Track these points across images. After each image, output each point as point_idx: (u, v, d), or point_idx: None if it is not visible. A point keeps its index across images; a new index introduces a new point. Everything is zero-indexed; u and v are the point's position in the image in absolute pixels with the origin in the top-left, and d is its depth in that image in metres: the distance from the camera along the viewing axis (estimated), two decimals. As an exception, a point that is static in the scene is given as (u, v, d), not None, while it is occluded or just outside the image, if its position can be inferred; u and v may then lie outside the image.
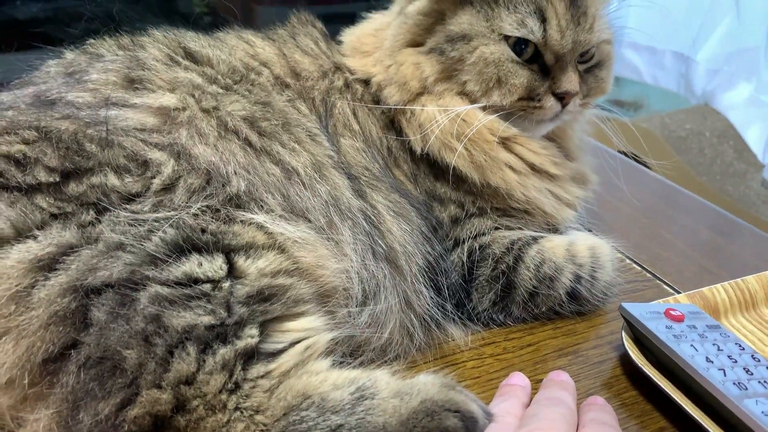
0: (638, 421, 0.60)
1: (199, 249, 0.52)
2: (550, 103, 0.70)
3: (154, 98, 0.60)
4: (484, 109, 0.70)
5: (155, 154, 0.56)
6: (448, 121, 0.69)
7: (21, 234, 0.50)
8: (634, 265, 0.84)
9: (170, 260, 0.50)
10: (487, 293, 0.69)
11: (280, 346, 0.52)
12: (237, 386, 0.48)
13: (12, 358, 0.47)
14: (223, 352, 0.48)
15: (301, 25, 0.79)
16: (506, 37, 0.68)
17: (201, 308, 0.49)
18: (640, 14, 2.67)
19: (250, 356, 0.50)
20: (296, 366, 0.51)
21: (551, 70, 0.70)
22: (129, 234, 0.51)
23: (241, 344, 0.49)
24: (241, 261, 0.53)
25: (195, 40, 0.70)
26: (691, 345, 0.61)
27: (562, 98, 0.70)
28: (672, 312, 0.66)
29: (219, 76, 0.66)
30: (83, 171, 0.54)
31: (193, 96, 0.62)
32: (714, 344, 0.63)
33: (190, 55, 0.68)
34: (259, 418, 0.48)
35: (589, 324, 0.72)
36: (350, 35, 0.79)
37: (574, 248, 0.72)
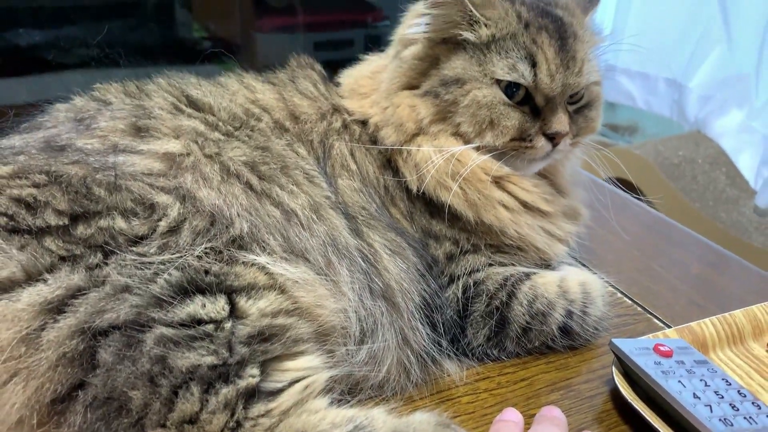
0: (628, 456, 0.62)
1: (202, 290, 0.54)
2: (541, 143, 0.72)
3: (159, 145, 0.63)
4: (477, 149, 0.73)
5: (162, 197, 0.59)
6: (443, 161, 0.71)
7: (31, 277, 0.52)
8: (626, 298, 0.86)
9: (175, 302, 0.52)
10: (482, 329, 0.71)
11: (279, 385, 0.54)
12: (238, 425, 0.50)
13: (21, 398, 0.49)
14: (225, 391, 0.50)
15: (301, 68, 0.82)
16: (498, 81, 0.71)
17: (204, 348, 0.51)
18: (634, 41, 2.72)
19: (251, 395, 0.51)
20: (296, 405, 0.53)
21: (542, 111, 0.72)
22: (135, 276, 0.53)
23: (242, 384, 0.51)
24: (242, 302, 0.55)
25: (197, 88, 0.73)
26: (679, 381, 0.63)
27: (553, 138, 0.73)
28: (661, 347, 0.68)
29: (220, 123, 0.69)
30: (91, 214, 0.56)
31: (197, 143, 0.65)
32: (701, 380, 0.65)
33: (193, 103, 0.70)
34: None
35: (581, 358, 0.74)
36: (348, 77, 0.82)
37: (566, 284, 0.74)
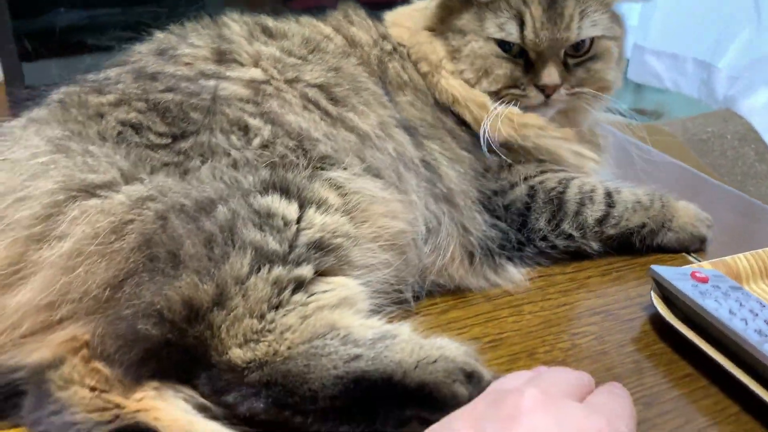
0: (666, 368, 0.66)
1: (283, 191, 0.59)
2: (533, 93, 0.83)
3: (244, 72, 0.70)
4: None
5: (254, 121, 0.65)
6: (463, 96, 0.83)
7: (129, 180, 0.57)
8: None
9: (257, 192, 0.58)
10: (543, 213, 0.80)
11: (323, 289, 0.57)
12: (279, 305, 0.53)
13: (103, 277, 0.53)
14: (279, 272, 0.54)
15: (349, 7, 0.90)
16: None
17: (271, 236, 0.56)
18: (662, 22, 2.73)
19: (298, 286, 0.55)
20: (333, 306, 0.56)
21: (534, 64, 0.82)
22: (226, 175, 0.58)
23: (294, 273, 0.55)
24: (311, 212, 0.60)
25: (269, 18, 0.80)
26: (715, 300, 0.67)
27: (543, 89, 0.82)
28: (697, 274, 0.72)
29: (294, 48, 0.76)
30: (190, 134, 0.62)
31: (276, 68, 0.71)
32: (736, 301, 0.68)
33: (267, 30, 0.77)
34: (287, 335, 0.52)
35: (619, 288, 0.78)
36: (390, 14, 0.93)
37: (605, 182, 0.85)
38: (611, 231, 0.82)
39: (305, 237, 0.58)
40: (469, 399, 0.49)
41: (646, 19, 2.61)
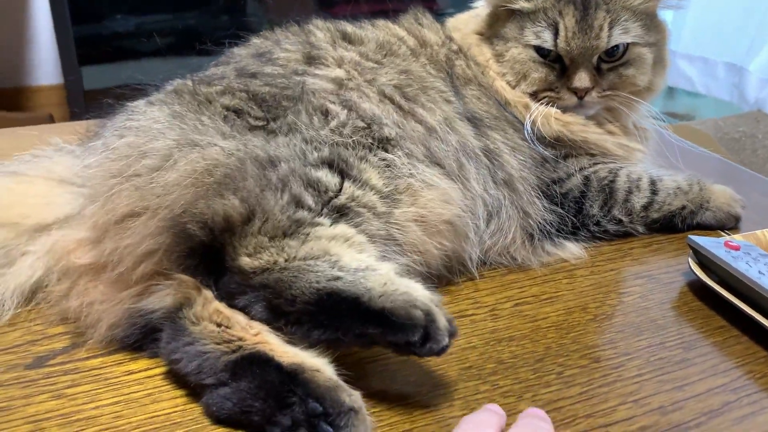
0: (702, 321, 0.76)
1: (334, 167, 0.71)
2: (567, 95, 0.92)
3: (329, 71, 0.81)
4: None
5: (334, 106, 0.76)
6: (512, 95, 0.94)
7: (226, 138, 0.69)
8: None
9: (315, 166, 0.70)
10: (597, 200, 0.90)
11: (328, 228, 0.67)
12: (290, 234, 0.64)
13: (187, 200, 0.63)
14: (303, 215, 0.66)
15: (418, 11, 1.01)
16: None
17: (310, 195, 0.67)
18: (694, 27, 2.81)
19: (311, 226, 0.66)
20: (331, 238, 0.66)
21: (568, 69, 0.91)
22: (298, 147, 0.71)
23: (315, 220, 0.66)
24: (347, 185, 0.71)
25: (348, 25, 0.92)
26: (746, 263, 0.77)
27: (576, 92, 0.91)
28: (730, 243, 0.82)
29: (370, 53, 0.87)
30: (280, 117, 0.74)
31: (356, 70, 0.83)
32: (765, 264, 0.78)
33: (347, 37, 0.89)
34: (287, 251, 0.63)
35: (660, 257, 0.88)
36: (451, 20, 1.04)
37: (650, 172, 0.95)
38: (655, 215, 0.93)
39: (335, 202, 0.69)
40: (424, 331, 0.56)
41: (678, 24, 2.69)
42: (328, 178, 0.70)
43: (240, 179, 0.65)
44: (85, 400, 0.61)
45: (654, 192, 0.93)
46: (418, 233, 0.73)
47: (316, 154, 0.71)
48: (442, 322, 0.58)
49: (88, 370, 0.65)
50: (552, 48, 0.90)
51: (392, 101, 0.81)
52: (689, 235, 0.83)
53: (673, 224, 0.94)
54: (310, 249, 0.63)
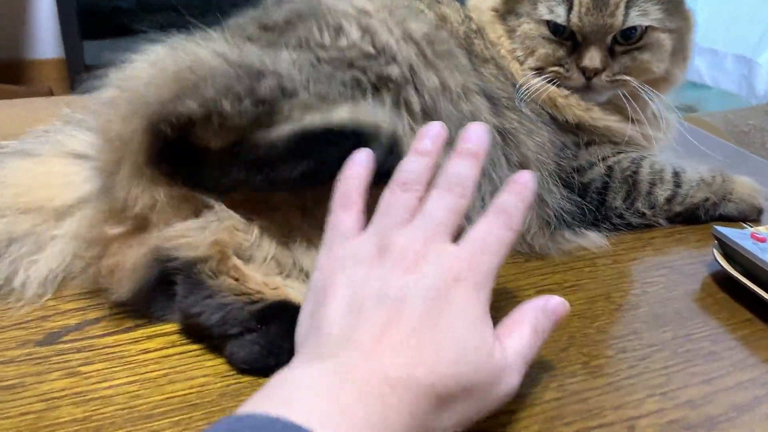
0: (728, 313, 0.74)
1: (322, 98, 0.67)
2: (576, 75, 0.87)
3: (357, 2, 0.79)
4: None
5: (349, 26, 0.74)
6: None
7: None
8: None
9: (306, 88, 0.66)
10: (620, 192, 0.87)
11: None
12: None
13: (167, 94, 0.61)
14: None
15: None
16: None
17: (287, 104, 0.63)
18: (702, 18, 2.78)
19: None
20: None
21: (580, 47, 0.87)
22: (296, 65, 0.68)
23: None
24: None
25: None
26: (774, 256, 0.75)
27: (584, 71, 0.87)
28: (756, 235, 0.80)
29: (401, 4, 0.84)
30: (291, 31, 0.73)
31: (387, 8, 0.80)
32: (793, 258, 0.77)
33: None
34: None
35: (683, 247, 0.87)
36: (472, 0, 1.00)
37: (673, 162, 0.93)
38: (678, 208, 0.91)
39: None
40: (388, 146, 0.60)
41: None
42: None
43: (219, 80, 0.61)
44: (98, 379, 0.59)
45: (678, 184, 0.91)
46: None
47: (309, 83, 0.67)
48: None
49: (102, 348, 0.63)
50: (564, 24, 0.86)
51: (417, 45, 0.78)
52: (714, 226, 0.81)
53: (695, 216, 0.92)
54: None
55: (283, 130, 0.61)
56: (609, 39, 0.87)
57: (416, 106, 0.75)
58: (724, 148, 1.25)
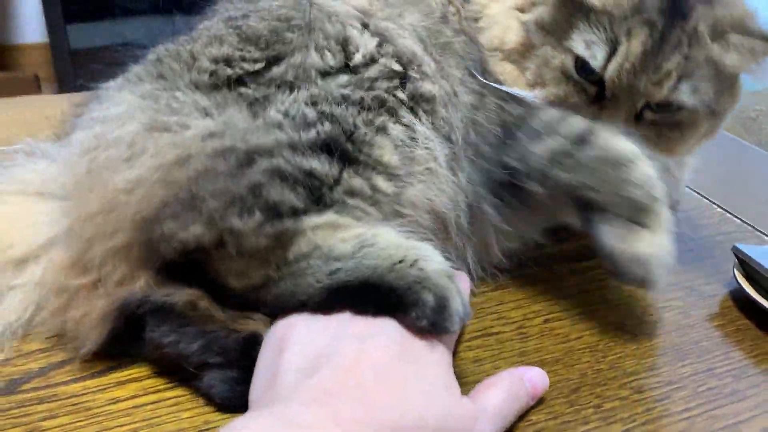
0: (752, 343, 0.68)
1: (331, 152, 0.58)
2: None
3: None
4: None
5: (357, 33, 0.62)
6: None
7: (204, 116, 0.58)
8: (734, 218, 0.92)
9: (307, 151, 0.57)
10: None
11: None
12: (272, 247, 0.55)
13: (157, 202, 0.54)
14: (283, 225, 0.54)
15: None
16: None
17: (296, 195, 0.55)
18: None
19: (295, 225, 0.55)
20: (315, 228, 0.56)
21: (603, 100, 0.69)
22: (291, 114, 0.58)
23: (300, 219, 0.56)
24: (346, 175, 0.59)
25: None
26: (801, 279, 0.70)
27: None
28: (781, 253, 0.74)
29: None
30: (284, 56, 0.61)
31: (380, 2, 0.68)
32: (821, 280, 0.71)
33: None
34: (273, 261, 0.55)
35: (701, 265, 0.81)
36: None
37: None
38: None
39: (327, 198, 0.58)
40: (434, 315, 0.51)
41: None
42: (324, 167, 0.57)
43: (210, 185, 0.53)
44: (62, 435, 0.53)
45: None
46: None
47: (313, 132, 0.57)
48: (455, 306, 0.52)
49: (67, 398, 0.57)
50: (597, 70, 0.68)
51: (425, 45, 0.66)
52: (735, 243, 0.75)
53: None
54: (298, 249, 0.55)
55: (315, 279, 0.54)
56: (641, 104, 0.69)
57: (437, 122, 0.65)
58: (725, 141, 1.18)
